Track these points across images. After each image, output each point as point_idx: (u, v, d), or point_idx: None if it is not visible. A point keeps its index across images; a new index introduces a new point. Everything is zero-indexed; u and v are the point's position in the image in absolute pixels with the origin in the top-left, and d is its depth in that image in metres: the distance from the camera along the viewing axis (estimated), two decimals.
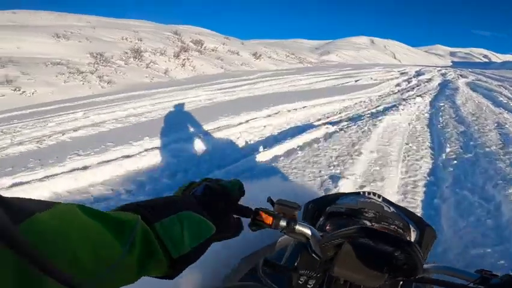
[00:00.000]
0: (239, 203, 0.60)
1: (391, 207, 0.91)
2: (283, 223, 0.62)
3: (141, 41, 15.67)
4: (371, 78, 12.34)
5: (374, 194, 0.99)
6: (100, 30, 15.98)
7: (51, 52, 12.17)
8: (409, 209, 1.01)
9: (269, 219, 0.61)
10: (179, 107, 5.89)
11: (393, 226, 0.82)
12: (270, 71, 17.89)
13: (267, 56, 26.63)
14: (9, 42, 12.12)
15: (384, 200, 0.99)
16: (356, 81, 11.45)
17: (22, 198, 0.30)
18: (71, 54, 12.31)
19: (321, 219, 0.90)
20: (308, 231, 0.63)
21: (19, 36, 12.87)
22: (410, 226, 0.88)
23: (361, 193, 1.00)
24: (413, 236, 0.86)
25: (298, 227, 0.62)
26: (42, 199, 0.32)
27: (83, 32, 14.85)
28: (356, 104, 6.93)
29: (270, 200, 0.65)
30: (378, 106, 6.56)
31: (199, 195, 0.53)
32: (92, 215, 0.34)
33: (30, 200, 0.31)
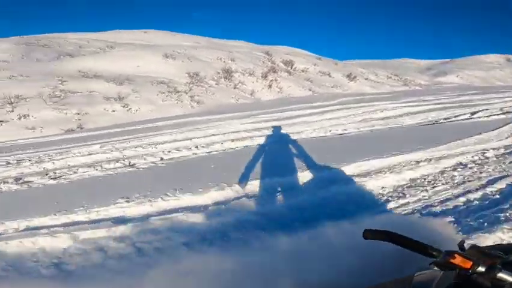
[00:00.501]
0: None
1: None
2: (482, 268, 0.63)
3: (233, 61, 16.63)
4: (500, 110, 8.00)
5: None
6: (202, 50, 17.72)
7: (159, 71, 14.02)
8: None
9: (467, 263, 0.63)
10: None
11: None
12: (365, 94, 16.40)
13: (364, 78, 24.78)
14: (132, 61, 14.54)
15: None
16: (472, 113, 7.73)
17: None
18: (173, 73, 13.91)
19: None
20: None
21: (140, 55, 15.34)
22: None
23: None
24: None
25: (501, 275, 0.62)
26: None
27: (187, 52, 16.71)
28: (443, 173, 3.52)
29: (461, 245, 0.72)
30: (495, 184, 3.12)
31: None
32: None
33: None
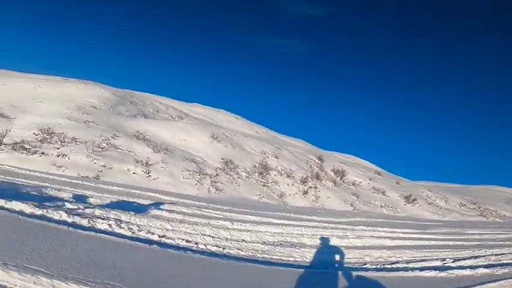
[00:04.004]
0: None
1: None
2: None
3: (277, 158, 16.26)
4: None
5: None
6: (250, 140, 18.07)
7: (199, 149, 14.37)
8: None
9: None
10: None
11: None
12: (419, 220, 13.64)
13: (427, 202, 21.50)
14: (182, 134, 15.40)
15: None
16: None
17: None
18: (211, 155, 14.06)
19: None
20: None
21: (191, 130, 16.26)
22: None
23: None
24: None
25: None
26: None
27: (235, 138, 17.18)
28: None
29: None
30: None
31: None
32: None
33: None
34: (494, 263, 5.77)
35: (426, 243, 7.50)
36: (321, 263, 4.68)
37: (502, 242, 8.25)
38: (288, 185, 13.96)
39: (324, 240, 6.54)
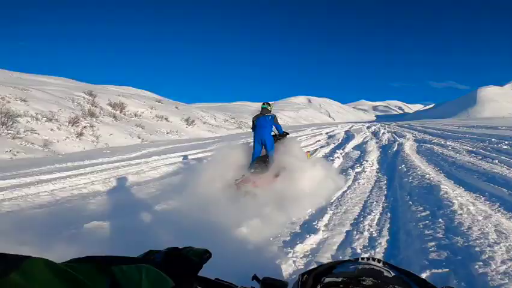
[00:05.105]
0: (218, 278, 0.64)
1: (392, 271, 0.89)
2: None
3: (25, 101, 12.20)
4: None
5: (374, 259, 0.96)
6: None
7: None
8: (412, 272, 0.92)
9: None
10: None
11: None
12: (200, 139, 15.59)
13: (202, 122, 24.73)
14: None
15: (385, 264, 0.95)
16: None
17: None
18: None
19: None
20: None
21: None
22: None
23: (360, 259, 0.97)
24: None
25: None
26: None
27: None
28: None
29: (255, 278, 0.65)
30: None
31: (158, 261, 0.55)
32: (56, 272, 0.37)
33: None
34: None
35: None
36: (120, 210, 4.16)
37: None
38: (52, 130, 11.13)
39: (121, 181, 5.93)
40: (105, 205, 4.55)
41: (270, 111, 5.48)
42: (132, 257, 0.49)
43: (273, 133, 5.52)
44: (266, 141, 5.29)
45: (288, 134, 5.84)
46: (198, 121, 23.73)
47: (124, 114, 17.43)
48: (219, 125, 27.09)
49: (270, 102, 5.64)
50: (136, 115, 18.28)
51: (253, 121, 5.53)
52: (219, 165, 5.33)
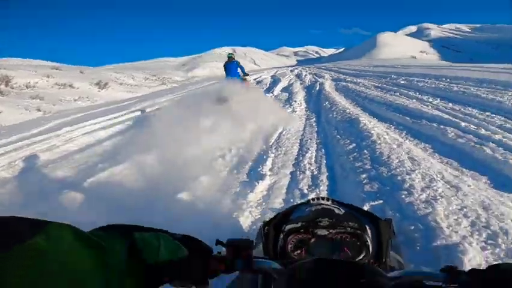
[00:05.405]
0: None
1: (341, 208, 0.94)
2: (239, 266, 0.59)
3: None
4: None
5: (323, 198, 1.02)
6: None
7: None
8: (358, 206, 1.00)
9: (222, 265, 0.58)
10: None
11: (349, 228, 0.85)
12: (117, 102, 14.04)
13: (118, 83, 22.22)
14: None
15: (334, 201, 1.01)
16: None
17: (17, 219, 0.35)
18: None
19: (280, 238, 0.88)
20: (268, 267, 0.60)
21: None
22: (365, 224, 0.88)
23: (311, 201, 1.02)
24: (369, 233, 0.86)
25: (257, 266, 0.59)
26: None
27: None
28: None
29: (219, 243, 0.62)
30: None
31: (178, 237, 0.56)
32: (79, 237, 0.38)
33: (23, 220, 0.35)
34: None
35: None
36: (41, 195, 3.37)
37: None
38: None
39: (31, 162, 4.90)
40: (18, 193, 3.69)
41: (234, 58, 7.72)
42: (153, 227, 0.53)
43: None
44: (236, 79, 7.46)
45: (248, 75, 8.16)
46: (113, 83, 21.20)
47: (12, 88, 14.54)
48: (139, 84, 24.73)
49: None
50: (27, 86, 15.41)
51: (224, 66, 7.72)
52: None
